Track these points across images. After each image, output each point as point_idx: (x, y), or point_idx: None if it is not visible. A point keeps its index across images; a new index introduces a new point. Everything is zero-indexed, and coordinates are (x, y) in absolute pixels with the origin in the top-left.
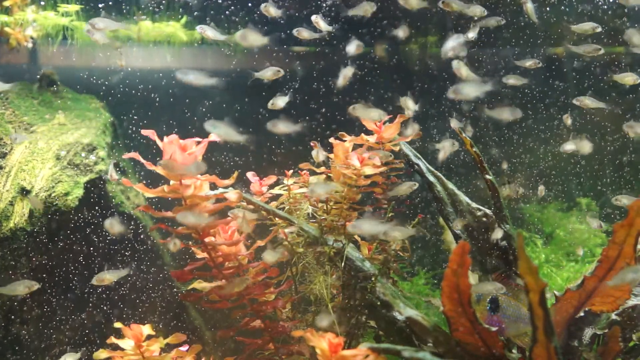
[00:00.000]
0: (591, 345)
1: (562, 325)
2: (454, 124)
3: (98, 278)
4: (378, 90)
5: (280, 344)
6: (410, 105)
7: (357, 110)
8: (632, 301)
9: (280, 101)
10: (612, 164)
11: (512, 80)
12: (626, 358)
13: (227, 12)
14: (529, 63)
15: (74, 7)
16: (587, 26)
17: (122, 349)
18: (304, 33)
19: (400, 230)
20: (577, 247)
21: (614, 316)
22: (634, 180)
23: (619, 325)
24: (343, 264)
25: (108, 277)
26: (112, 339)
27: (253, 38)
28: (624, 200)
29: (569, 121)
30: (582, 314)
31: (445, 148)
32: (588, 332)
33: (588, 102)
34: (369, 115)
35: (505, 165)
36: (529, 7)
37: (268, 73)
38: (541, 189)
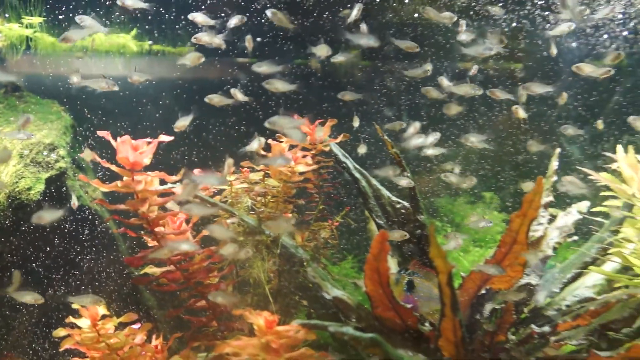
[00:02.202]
0: (490, 317)
1: (467, 301)
2: (404, 123)
3: None
4: (309, 99)
5: (222, 321)
6: (239, 96)
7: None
8: (524, 280)
9: (183, 121)
10: (509, 163)
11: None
12: (518, 327)
13: (175, 26)
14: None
15: (37, 19)
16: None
17: (80, 328)
18: (204, 38)
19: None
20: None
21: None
22: (528, 178)
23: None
24: (279, 250)
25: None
26: (71, 319)
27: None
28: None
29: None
30: (483, 291)
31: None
32: (488, 307)
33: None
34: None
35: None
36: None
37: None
38: (469, 182)
